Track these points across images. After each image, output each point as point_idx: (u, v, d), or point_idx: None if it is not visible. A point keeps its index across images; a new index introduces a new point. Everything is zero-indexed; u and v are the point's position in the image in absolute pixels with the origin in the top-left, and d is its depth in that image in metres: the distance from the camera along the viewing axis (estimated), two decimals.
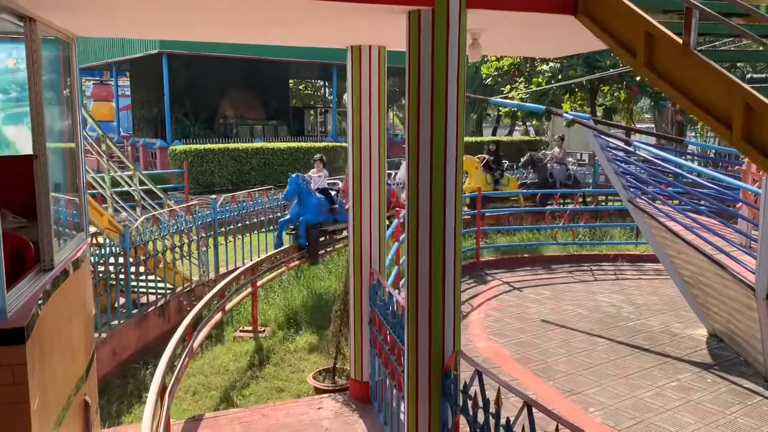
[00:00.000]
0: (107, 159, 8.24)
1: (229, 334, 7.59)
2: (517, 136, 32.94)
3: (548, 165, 15.42)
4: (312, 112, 31.79)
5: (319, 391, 5.64)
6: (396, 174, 14.13)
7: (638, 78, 17.76)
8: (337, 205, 10.28)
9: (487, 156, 14.89)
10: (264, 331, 7.64)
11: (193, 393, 6.07)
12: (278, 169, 20.72)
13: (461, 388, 3.22)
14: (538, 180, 15.25)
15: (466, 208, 11.12)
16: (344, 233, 10.21)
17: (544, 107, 9.20)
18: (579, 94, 19.42)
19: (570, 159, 17.23)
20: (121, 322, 6.70)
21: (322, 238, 10.50)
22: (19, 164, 3.82)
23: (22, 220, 3.84)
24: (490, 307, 8.21)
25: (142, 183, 8.79)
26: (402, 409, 4.34)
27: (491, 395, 2.96)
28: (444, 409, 3.38)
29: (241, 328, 7.68)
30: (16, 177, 3.89)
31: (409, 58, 3.29)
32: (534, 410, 2.68)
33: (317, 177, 10.09)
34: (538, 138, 30.24)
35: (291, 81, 33.50)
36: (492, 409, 2.94)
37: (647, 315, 7.88)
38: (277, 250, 9.61)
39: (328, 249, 10.69)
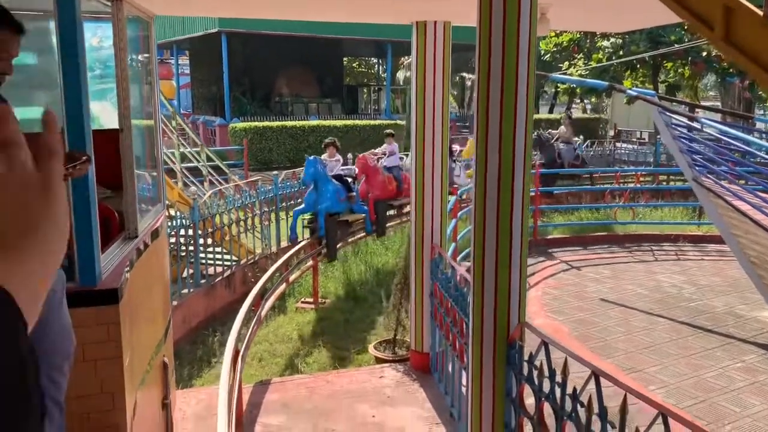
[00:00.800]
0: (177, 135, 8.54)
1: (291, 305, 7.83)
2: (575, 113, 32.21)
3: (555, 145, 14.60)
4: (365, 90, 31.86)
5: (379, 360, 5.80)
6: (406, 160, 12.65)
7: (704, 53, 17.14)
8: (354, 193, 8.97)
9: None
10: (324, 302, 7.84)
11: (259, 359, 6.32)
12: None
13: (526, 358, 3.29)
14: (545, 160, 14.17)
15: None
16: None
17: (607, 83, 9.01)
18: (641, 70, 18.88)
19: (576, 138, 16.38)
20: (191, 291, 7.00)
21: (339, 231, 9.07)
22: (104, 138, 4.04)
23: (107, 190, 4.07)
24: (547, 285, 8.20)
25: (208, 159, 9.08)
26: (463, 380, 4.45)
27: (556, 366, 3.02)
28: (508, 379, 3.45)
29: (302, 300, 7.90)
30: (101, 150, 4.12)
31: (479, 34, 3.32)
32: (601, 381, 2.73)
33: (332, 162, 8.88)
34: (597, 116, 29.55)
35: (345, 59, 33.63)
36: (558, 378, 3.01)
37: (710, 296, 7.73)
38: (296, 246, 8.03)
39: (348, 240, 9.37)
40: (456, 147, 14.06)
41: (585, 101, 33.61)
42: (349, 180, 8.98)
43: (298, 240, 8.32)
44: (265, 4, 4.60)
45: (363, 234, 9.36)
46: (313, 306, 7.75)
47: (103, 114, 4.86)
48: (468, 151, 12.30)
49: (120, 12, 3.57)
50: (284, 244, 9.21)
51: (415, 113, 5.10)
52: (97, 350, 2.84)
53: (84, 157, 2.38)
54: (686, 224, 11.13)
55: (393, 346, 5.97)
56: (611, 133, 26.01)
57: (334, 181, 8.45)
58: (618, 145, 21.51)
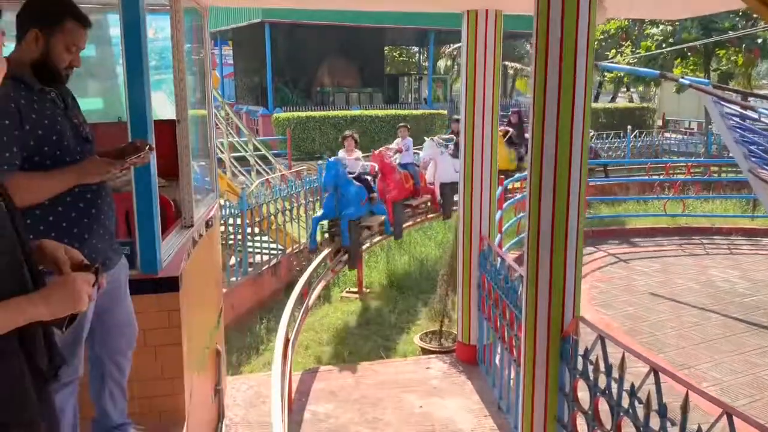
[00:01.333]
0: (226, 125, 8.66)
1: (336, 295, 7.89)
2: (621, 102, 31.52)
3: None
4: (406, 79, 31.77)
5: (425, 351, 5.81)
6: (421, 155, 10.68)
7: (759, 40, 16.55)
8: (375, 194, 7.91)
9: (509, 128, 12.07)
10: (369, 292, 7.88)
11: (306, 347, 6.40)
12: (375, 137, 20.97)
13: (581, 353, 3.24)
14: None
15: None
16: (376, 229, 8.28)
17: (658, 72, 8.77)
18: (692, 58, 18.33)
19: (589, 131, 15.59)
20: (238, 279, 7.11)
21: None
22: (160, 128, 4.11)
23: (162, 180, 4.16)
24: (595, 278, 8.07)
25: (255, 149, 9.19)
26: (511, 372, 4.42)
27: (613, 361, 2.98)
28: (562, 373, 3.41)
29: (347, 290, 7.96)
30: (157, 140, 4.21)
31: (536, 22, 3.27)
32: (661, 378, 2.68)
33: (352, 160, 7.77)
34: (644, 105, 28.86)
35: (386, 48, 33.55)
36: (615, 374, 2.96)
37: (765, 291, 7.50)
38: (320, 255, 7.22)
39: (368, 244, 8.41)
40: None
41: (632, 90, 32.86)
42: (369, 178, 7.98)
43: (319, 249, 7.45)
44: None
45: (382, 236, 8.56)
46: (357, 296, 7.80)
47: (157, 104, 4.94)
48: None
49: (178, 4, 3.63)
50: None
51: (464, 102, 5.06)
52: (157, 336, 2.91)
53: (147, 146, 2.43)
54: (739, 217, 10.80)
55: (439, 337, 5.96)
56: (659, 122, 25.40)
57: (355, 182, 7.48)
58: (666, 135, 20.99)
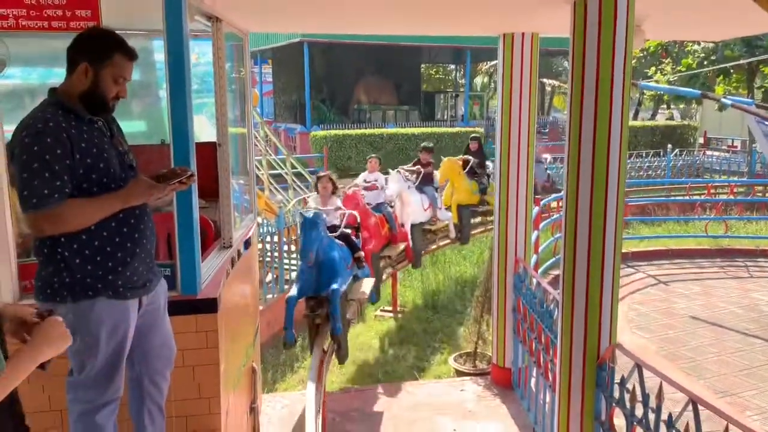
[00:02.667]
0: (264, 144, 8.81)
1: (370, 313, 7.90)
2: (661, 120, 31.00)
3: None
4: (443, 97, 31.82)
5: (459, 373, 5.77)
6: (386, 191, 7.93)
7: None
8: (361, 252, 5.72)
9: (469, 157, 10.04)
10: (403, 311, 7.88)
11: (340, 367, 6.41)
12: (411, 155, 21.00)
13: (618, 380, 3.20)
14: None
15: None
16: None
17: (700, 92, 8.61)
18: (735, 75, 17.97)
19: (546, 156, 13.40)
20: (275, 296, 7.19)
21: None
22: (200, 150, 4.22)
23: (202, 201, 4.26)
24: (634, 300, 7.93)
25: (292, 167, 9.32)
26: (546, 397, 4.37)
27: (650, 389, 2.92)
28: (598, 401, 3.37)
29: (381, 308, 7.97)
30: (198, 161, 4.32)
31: (572, 46, 3.27)
32: (699, 408, 2.62)
33: (332, 211, 5.82)
34: (685, 122, 28.34)
35: (422, 66, 33.71)
36: (652, 404, 2.91)
37: None
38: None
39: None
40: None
41: (672, 107, 32.31)
42: (348, 231, 5.72)
43: (296, 342, 5.17)
44: (354, 21, 4.70)
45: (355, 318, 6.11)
46: (392, 314, 7.80)
47: (198, 126, 5.07)
48: (443, 174, 9.23)
49: (219, 31, 3.74)
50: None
51: (500, 123, 5.06)
52: (195, 356, 2.97)
53: (189, 173, 2.50)
54: None
55: (473, 359, 5.92)
56: (700, 140, 24.90)
57: (337, 242, 5.34)
58: (708, 153, 20.55)
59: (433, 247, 8.81)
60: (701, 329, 6.87)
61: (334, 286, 4.89)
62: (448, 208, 9.11)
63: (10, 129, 2.68)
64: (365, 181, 7.57)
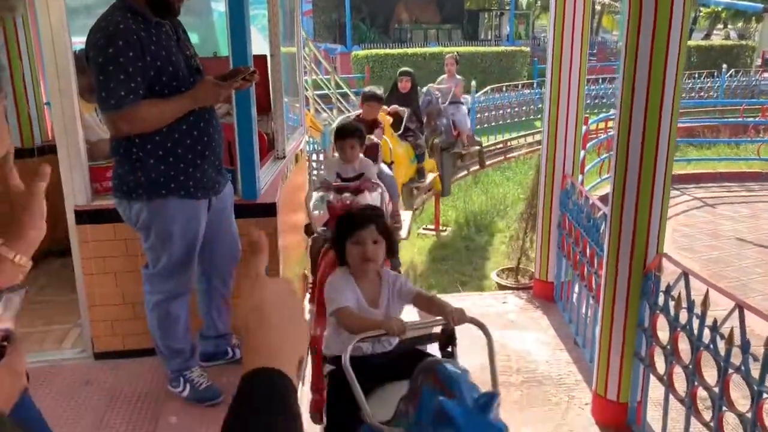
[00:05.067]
0: (310, 62, 8.78)
1: (414, 231, 8.05)
2: (716, 40, 29.52)
3: (444, 109, 8.41)
4: (487, 15, 30.77)
5: (501, 287, 5.92)
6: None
7: None
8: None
9: (397, 107, 6.78)
10: (445, 230, 8.01)
11: None
12: None
13: (663, 288, 3.27)
14: (430, 137, 7.77)
15: None
16: None
17: (761, 6, 8.16)
18: None
19: (466, 96, 9.86)
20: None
21: None
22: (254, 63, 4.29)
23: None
24: (678, 222, 7.88)
25: (337, 86, 9.30)
26: (589, 310, 4.48)
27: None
28: (642, 309, 3.46)
29: (424, 226, 8.11)
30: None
31: None
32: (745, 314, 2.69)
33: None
34: (742, 42, 26.96)
35: None
36: (697, 310, 2.98)
37: None
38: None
39: None
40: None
41: (729, 26, 30.68)
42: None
43: None
44: None
45: None
46: (434, 233, 7.94)
47: None
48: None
49: None
50: None
51: (552, 39, 4.96)
52: None
53: (252, 70, 2.55)
54: None
55: (516, 274, 6.05)
56: (758, 61, 23.73)
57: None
58: (765, 75, 19.64)
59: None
60: (747, 250, 6.83)
61: None
62: None
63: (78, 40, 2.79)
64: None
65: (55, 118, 2.97)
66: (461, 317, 2.32)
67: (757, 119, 11.62)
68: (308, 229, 4.06)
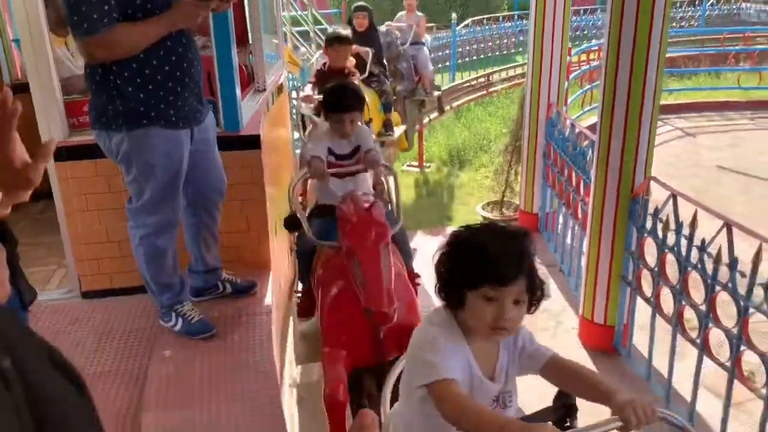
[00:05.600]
0: None
1: (398, 168, 8.00)
2: None
3: (404, 51, 7.42)
4: None
5: (486, 220, 5.93)
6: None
7: None
8: None
9: (364, 48, 5.82)
10: (429, 166, 7.97)
11: None
12: (436, 8, 20.18)
13: (651, 211, 3.28)
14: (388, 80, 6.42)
15: None
16: None
17: None
18: None
19: (427, 37, 8.95)
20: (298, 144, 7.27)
21: None
22: None
23: None
24: (659, 152, 7.80)
25: (316, 22, 9.04)
26: (575, 240, 4.51)
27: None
28: (629, 233, 3.48)
29: (408, 163, 8.05)
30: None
31: None
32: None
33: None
34: None
35: None
36: (685, 231, 3.01)
37: None
38: None
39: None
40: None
41: None
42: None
43: None
44: None
45: None
46: (418, 169, 7.90)
47: None
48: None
49: None
50: None
51: None
52: (242, 191, 3.07)
53: None
54: None
55: (500, 207, 6.07)
56: None
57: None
58: (746, 4, 19.46)
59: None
60: (728, 177, 6.90)
61: None
62: None
63: None
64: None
65: (26, 55, 2.84)
66: (649, 415, 1.33)
67: (737, 47, 11.56)
68: (291, 223, 3.17)
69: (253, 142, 3.07)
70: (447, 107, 9.48)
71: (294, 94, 7.11)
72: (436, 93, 8.35)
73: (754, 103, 9.89)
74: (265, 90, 3.84)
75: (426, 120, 8.65)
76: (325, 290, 2.81)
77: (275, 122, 4.06)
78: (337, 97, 3.18)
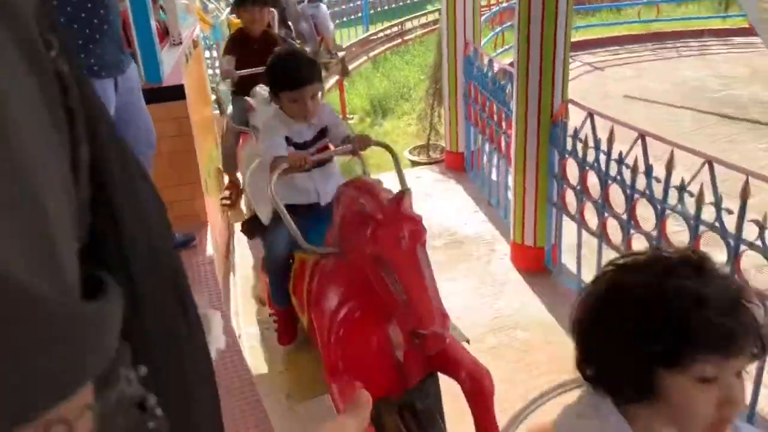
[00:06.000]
0: None
1: None
2: None
3: (302, 9, 7.48)
4: None
5: (414, 164, 6.04)
6: None
7: None
8: None
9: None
10: (353, 118, 7.98)
11: None
12: None
13: (570, 133, 3.46)
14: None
15: None
16: None
17: None
18: None
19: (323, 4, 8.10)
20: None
21: None
22: None
23: None
24: (570, 87, 8.18)
25: None
26: (500, 176, 4.68)
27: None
28: (552, 157, 3.65)
29: None
30: None
31: None
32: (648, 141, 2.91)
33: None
34: None
35: None
36: (604, 147, 3.19)
37: (735, 86, 7.74)
38: None
39: None
40: None
41: None
42: None
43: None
44: None
45: None
46: (342, 120, 7.89)
47: None
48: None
49: None
50: None
51: None
52: (172, 144, 3.03)
53: None
54: (711, 18, 10.79)
55: (427, 150, 6.18)
56: None
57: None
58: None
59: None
60: (635, 106, 7.27)
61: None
62: None
63: None
64: None
65: None
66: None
67: None
68: (250, 229, 2.75)
69: (177, 93, 3.01)
70: (363, 58, 9.45)
71: (207, 53, 6.93)
72: (340, 53, 8.01)
73: (654, 35, 10.35)
74: (181, 43, 3.75)
75: (328, 86, 7.83)
76: (323, 311, 2.18)
77: (193, 75, 3.97)
78: (289, 71, 2.48)
